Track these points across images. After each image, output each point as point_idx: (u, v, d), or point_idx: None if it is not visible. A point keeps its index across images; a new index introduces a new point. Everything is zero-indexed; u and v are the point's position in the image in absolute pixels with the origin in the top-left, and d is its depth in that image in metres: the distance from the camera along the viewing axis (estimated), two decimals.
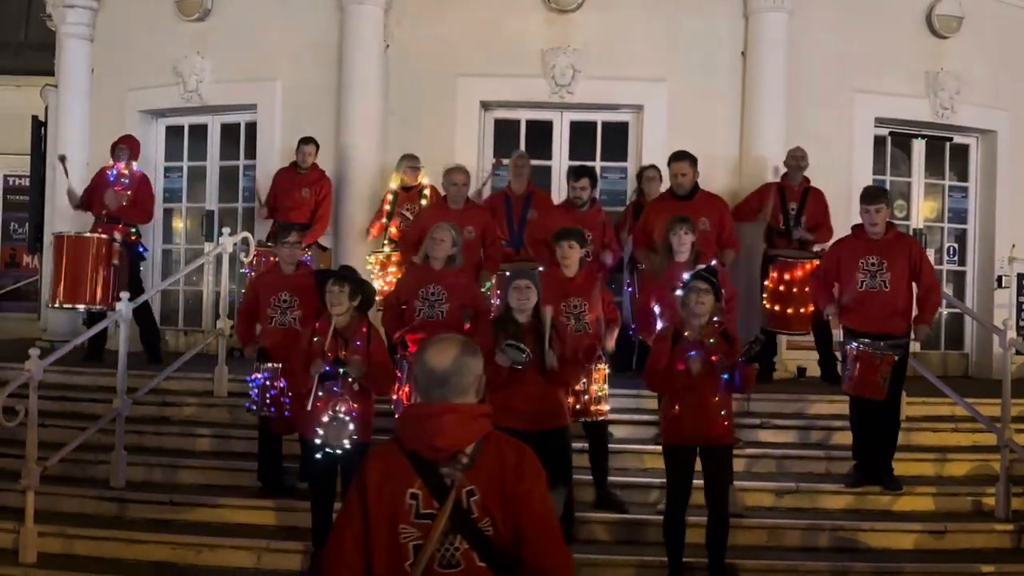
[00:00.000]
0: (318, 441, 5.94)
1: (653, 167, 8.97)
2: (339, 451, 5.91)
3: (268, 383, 6.71)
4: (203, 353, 8.58)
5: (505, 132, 10.22)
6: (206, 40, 10.49)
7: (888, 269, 6.96)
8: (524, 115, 10.23)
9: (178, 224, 11.23)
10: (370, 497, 2.87)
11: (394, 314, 6.97)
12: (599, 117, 10.23)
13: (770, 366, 9.09)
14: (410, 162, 9.22)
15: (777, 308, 8.63)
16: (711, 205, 8.07)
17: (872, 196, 7.15)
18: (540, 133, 10.17)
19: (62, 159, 9.73)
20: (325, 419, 5.92)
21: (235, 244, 8.69)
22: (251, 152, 10.60)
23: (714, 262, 6.67)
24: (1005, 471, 6.96)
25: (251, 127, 10.59)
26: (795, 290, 8.54)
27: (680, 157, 8.03)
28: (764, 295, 8.69)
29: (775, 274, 8.67)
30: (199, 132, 10.97)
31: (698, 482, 5.98)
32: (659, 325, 6.78)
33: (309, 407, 6.01)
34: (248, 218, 10.47)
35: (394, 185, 9.29)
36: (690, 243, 6.97)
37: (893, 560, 6.52)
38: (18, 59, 17.19)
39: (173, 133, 11.11)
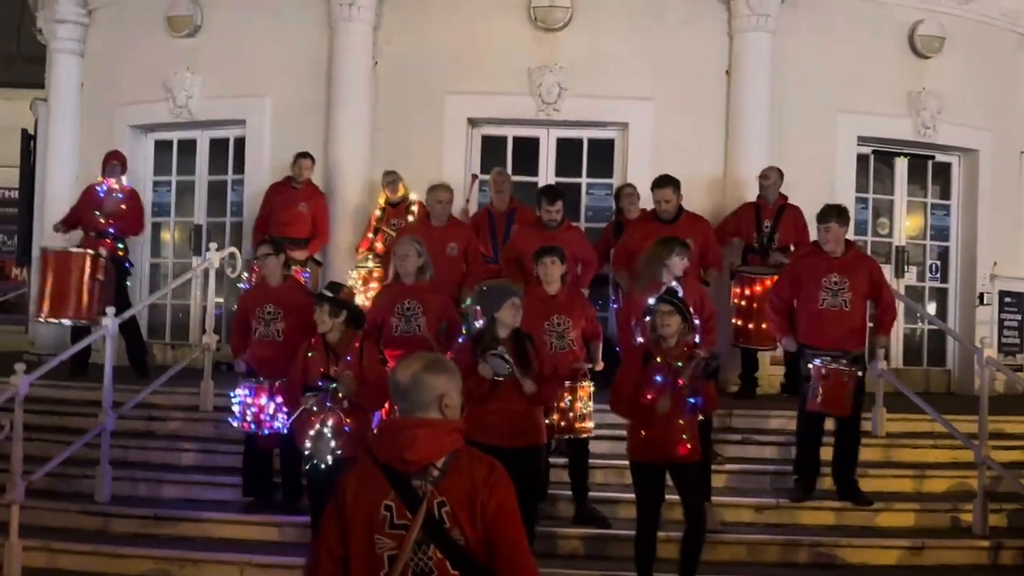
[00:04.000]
0: (307, 452, 6.03)
1: (630, 185, 9.02)
2: (322, 465, 5.97)
3: (249, 400, 6.76)
4: (190, 367, 8.60)
5: (492, 149, 10.29)
6: (196, 56, 10.56)
7: (850, 288, 7.08)
8: (511, 132, 10.29)
9: (166, 238, 11.28)
10: (347, 509, 2.98)
11: (371, 333, 6.98)
12: (585, 134, 10.30)
13: (752, 382, 9.15)
14: (388, 177, 9.34)
15: (740, 323, 8.73)
16: (695, 227, 8.06)
17: (822, 215, 7.28)
18: (527, 150, 10.24)
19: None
20: (312, 432, 6.00)
21: (223, 258, 8.75)
22: (239, 167, 10.66)
23: (674, 284, 6.65)
24: (983, 488, 7.04)
25: (240, 142, 10.65)
26: (755, 305, 8.60)
27: (663, 183, 7.95)
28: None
29: (737, 289, 8.79)
30: (188, 147, 11.02)
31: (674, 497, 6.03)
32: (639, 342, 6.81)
33: (289, 424, 6.10)
34: (236, 232, 10.53)
35: (381, 201, 9.39)
36: (682, 267, 6.84)
37: None
38: (9, 72, 17.23)
39: (162, 148, 11.17)
